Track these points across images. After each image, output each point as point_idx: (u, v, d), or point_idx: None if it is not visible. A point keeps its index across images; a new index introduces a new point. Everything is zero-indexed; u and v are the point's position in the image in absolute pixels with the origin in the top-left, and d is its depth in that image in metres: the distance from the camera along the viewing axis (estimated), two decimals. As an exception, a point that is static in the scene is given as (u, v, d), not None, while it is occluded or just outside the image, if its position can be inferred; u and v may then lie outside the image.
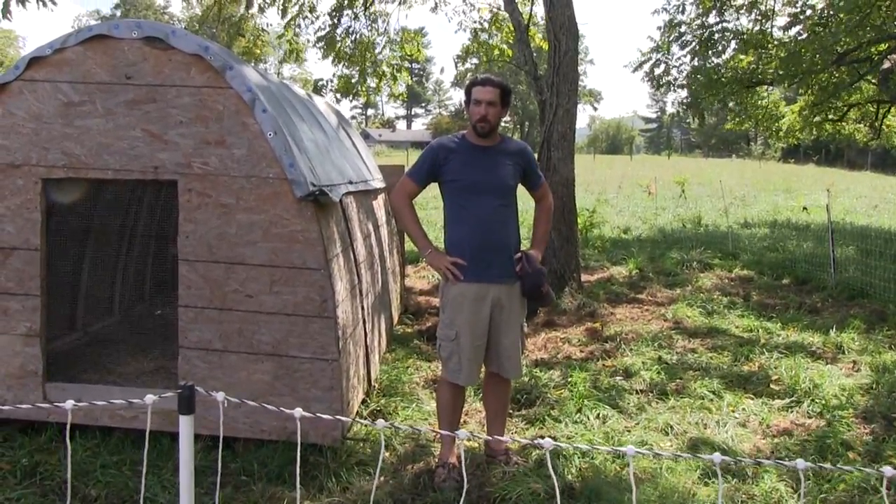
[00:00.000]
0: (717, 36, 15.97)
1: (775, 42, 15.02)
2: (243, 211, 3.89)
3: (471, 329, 3.74)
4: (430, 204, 17.10)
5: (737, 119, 18.11)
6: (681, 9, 16.27)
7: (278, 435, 3.97)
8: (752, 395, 5.12)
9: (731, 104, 17.23)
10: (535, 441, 1.54)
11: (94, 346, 5.53)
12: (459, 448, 3.92)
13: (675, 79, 17.12)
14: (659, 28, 16.94)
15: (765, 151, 66.04)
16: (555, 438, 4.37)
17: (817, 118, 17.15)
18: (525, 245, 3.97)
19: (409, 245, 12.43)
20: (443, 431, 2.04)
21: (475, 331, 3.74)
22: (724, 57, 16.40)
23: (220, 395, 1.81)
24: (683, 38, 16.28)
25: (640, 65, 17.35)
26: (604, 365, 5.85)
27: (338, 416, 1.86)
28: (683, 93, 17.49)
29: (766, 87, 16.45)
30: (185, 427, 1.96)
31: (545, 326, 7.06)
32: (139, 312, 6.61)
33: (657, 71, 17.20)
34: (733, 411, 4.81)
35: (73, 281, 5.75)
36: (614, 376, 5.53)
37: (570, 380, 5.29)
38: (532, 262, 3.80)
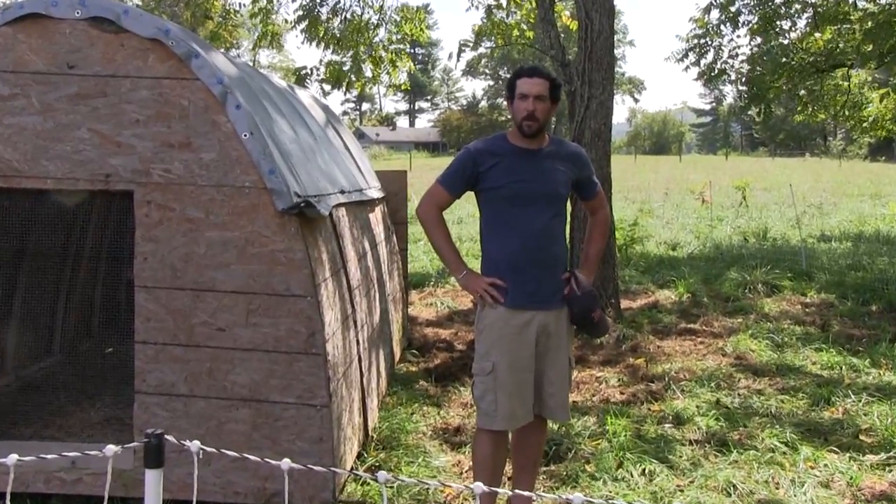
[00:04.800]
0: (782, 10, 15.99)
1: (860, 12, 14.97)
2: (214, 227, 3.94)
3: (511, 361, 3.78)
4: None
5: (809, 109, 18.08)
6: None
7: (255, 498, 3.99)
8: (835, 449, 5.08)
9: (801, 92, 17.22)
10: (565, 498, 1.56)
11: (28, 394, 5.54)
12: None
13: (731, 66, 17.12)
14: (702, 8, 16.93)
15: (846, 148, 65.97)
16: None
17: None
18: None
19: (413, 266, 12.44)
20: (454, 485, 2.07)
21: (517, 363, 3.78)
22: (792, 35, 16.41)
23: (194, 445, 1.84)
24: (738, 16, 16.26)
25: (685, 54, 17.37)
26: (649, 410, 5.85)
27: (332, 468, 1.89)
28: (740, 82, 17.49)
29: (846, 69, 16.43)
30: (153, 483, 1.98)
31: (577, 363, 7.08)
32: (85, 351, 6.62)
33: (705, 60, 17.20)
34: (812, 468, 4.79)
35: (1, 314, 5.78)
36: (662, 424, 5.53)
37: (608, 428, 5.30)
38: (582, 285, 3.87)
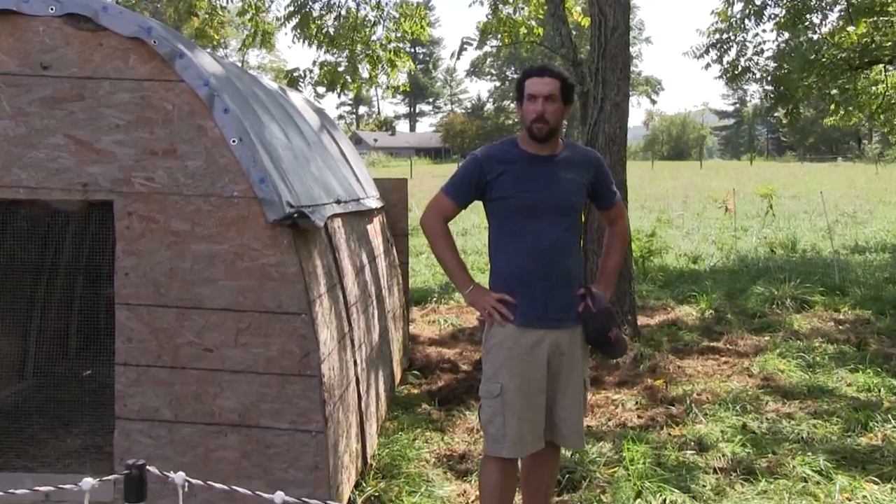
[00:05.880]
0: (812, 2, 15.95)
1: None
2: (200, 240, 3.95)
3: (521, 383, 3.78)
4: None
5: (841, 112, 18.02)
6: None
7: (246, 531, 3.99)
8: (875, 479, 5.04)
9: (833, 91, 17.18)
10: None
11: (-1, 421, 5.55)
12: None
13: (756, 63, 17.08)
14: (724, 0, 16.88)
15: (883, 152, 65.80)
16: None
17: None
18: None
19: (415, 281, 12.40)
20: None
21: (527, 386, 3.78)
22: (823, 29, 16.37)
23: (178, 476, 1.85)
24: (764, 9, 16.19)
25: (706, 50, 17.33)
26: (669, 435, 5.84)
27: (328, 500, 1.90)
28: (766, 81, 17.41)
29: (883, 66, 16.38)
30: (133, 518, 1.98)
31: (591, 384, 7.06)
32: (61, 374, 6.63)
33: (728, 57, 17.14)
34: (849, 499, 4.77)
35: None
36: (683, 450, 5.52)
37: (625, 454, 5.29)
38: (598, 301, 3.88)
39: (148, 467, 2.07)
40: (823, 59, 15.49)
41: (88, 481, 2.05)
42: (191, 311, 3.97)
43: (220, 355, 3.96)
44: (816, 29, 16.33)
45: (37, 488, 2.16)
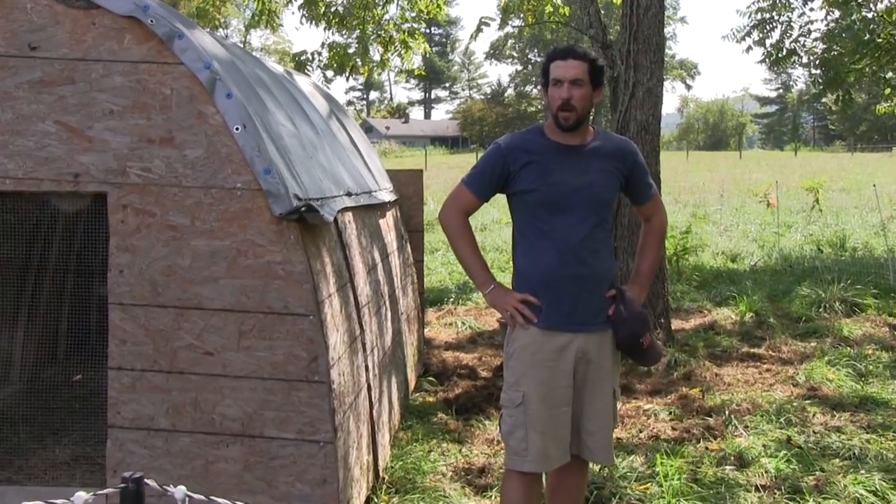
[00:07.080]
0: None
1: None
2: (200, 235, 3.96)
3: (544, 393, 3.76)
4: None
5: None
6: None
7: (248, 550, 3.99)
8: (936, 499, 5.03)
9: (888, 75, 17.02)
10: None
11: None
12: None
13: (803, 45, 16.94)
14: None
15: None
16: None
17: None
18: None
19: (430, 280, 12.41)
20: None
21: (551, 395, 3.77)
22: (879, 6, 16.22)
23: (179, 490, 1.85)
24: None
25: (748, 32, 17.19)
26: (706, 448, 5.82)
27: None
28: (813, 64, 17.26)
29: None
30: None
31: (622, 393, 7.05)
32: (49, 379, 6.65)
33: (771, 39, 16.98)
34: (907, 522, 4.75)
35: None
36: (722, 465, 5.50)
37: (658, 470, 5.27)
38: (630, 304, 3.86)
39: (146, 480, 2.06)
40: (879, 40, 15.33)
41: (81, 495, 2.05)
42: (190, 312, 3.97)
43: (221, 359, 3.96)
44: (871, 6, 16.19)
45: (26, 502, 2.15)
